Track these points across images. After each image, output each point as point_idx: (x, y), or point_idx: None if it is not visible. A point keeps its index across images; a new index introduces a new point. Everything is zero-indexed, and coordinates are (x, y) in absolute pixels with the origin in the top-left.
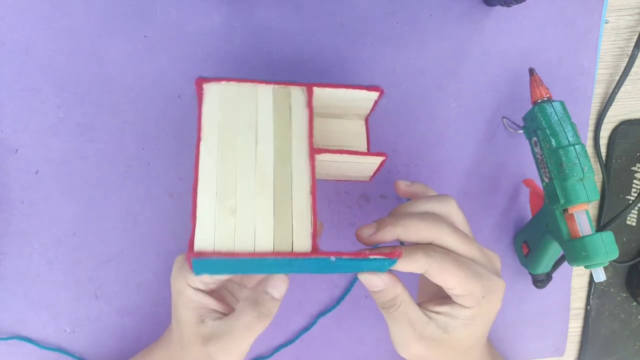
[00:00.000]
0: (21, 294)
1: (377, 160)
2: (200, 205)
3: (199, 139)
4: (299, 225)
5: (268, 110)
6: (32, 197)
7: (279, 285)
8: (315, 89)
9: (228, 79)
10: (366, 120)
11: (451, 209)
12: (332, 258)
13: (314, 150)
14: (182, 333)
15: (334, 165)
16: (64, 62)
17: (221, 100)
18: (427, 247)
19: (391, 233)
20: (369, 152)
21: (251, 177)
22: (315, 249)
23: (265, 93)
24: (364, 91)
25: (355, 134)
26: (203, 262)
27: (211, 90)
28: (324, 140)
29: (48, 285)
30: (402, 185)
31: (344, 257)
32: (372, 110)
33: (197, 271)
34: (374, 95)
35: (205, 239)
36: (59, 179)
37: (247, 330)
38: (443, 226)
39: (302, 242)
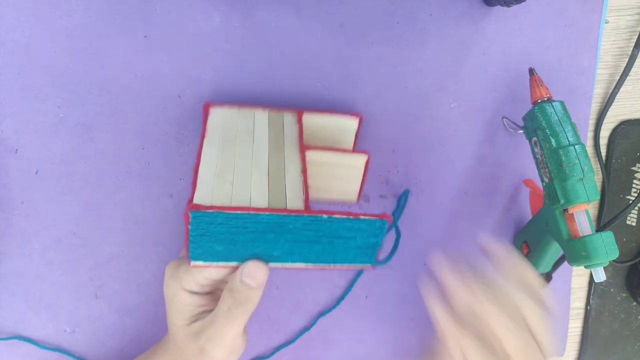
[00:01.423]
0: (21, 294)
1: (360, 161)
2: (200, 178)
3: (202, 138)
4: (291, 194)
5: (264, 122)
6: (32, 197)
7: (253, 274)
8: (304, 114)
9: (231, 104)
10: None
11: (539, 322)
12: (325, 216)
13: (303, 147)
14: (176, 338)
15: (321, 173)
16: (64, 62)
17: (224, 116)
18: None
19: (470, 298)
20: (353, 150)
21: (248, 160)
22: (307, 208)
23: (261, 113)
24: (344, 117)
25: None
26: (200, 217)
27: (216, 110)
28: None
29: (48, 285)
30: (489, 244)
31: (335, 215)
32: (354, 144)
33: (193, 253)
34: (354, 124)
35: (204, 198)
36: (59, 179)
37: (227, 319)
38: (528, 338)
39: (295, 205)
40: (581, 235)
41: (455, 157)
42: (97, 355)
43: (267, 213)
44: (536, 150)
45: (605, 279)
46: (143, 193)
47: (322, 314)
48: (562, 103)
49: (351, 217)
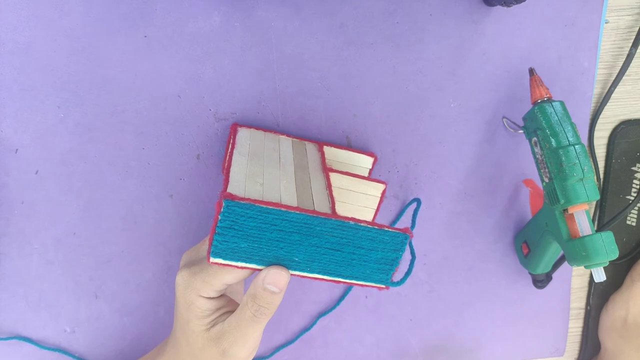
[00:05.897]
0: (21, 294)
1: (378, 190)
2: (232, 176)
3: (232, 149)
4: (319, 201)
5: (288, 146)
6: (32, 197)
7: (276, 281)
8: (324, 147)
9: (257, 128)
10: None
11: None
12: (351, 222)
13: (327, 169)
14: (193, 344)
15: (339, 198)
16: (64, 62)
17: (251, 134)
18: None
19: None
20: (370, 178)
21: (276, 170)
22: (334, 212)
23: (285, 139)
24: (359, 154)
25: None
26: (233, 207)
27: (243, 130)
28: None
29: (48, 285)
30: None
31: (361, 223)
32: (369, 175)
33: (216, 247)
34: (369, 162)
35: (237, 192)
36: (59, 179)
37: (252, 323)
38: None
39: (323, 210)
40: (581, 235)
41: (455, 157)
42: (97, 355)
43: (297, 212)
44: (536, 150)
45: (605, 279)
46: (143, 193)
47: (322, 314)
48: (562, 103)
49: (376, 227)
